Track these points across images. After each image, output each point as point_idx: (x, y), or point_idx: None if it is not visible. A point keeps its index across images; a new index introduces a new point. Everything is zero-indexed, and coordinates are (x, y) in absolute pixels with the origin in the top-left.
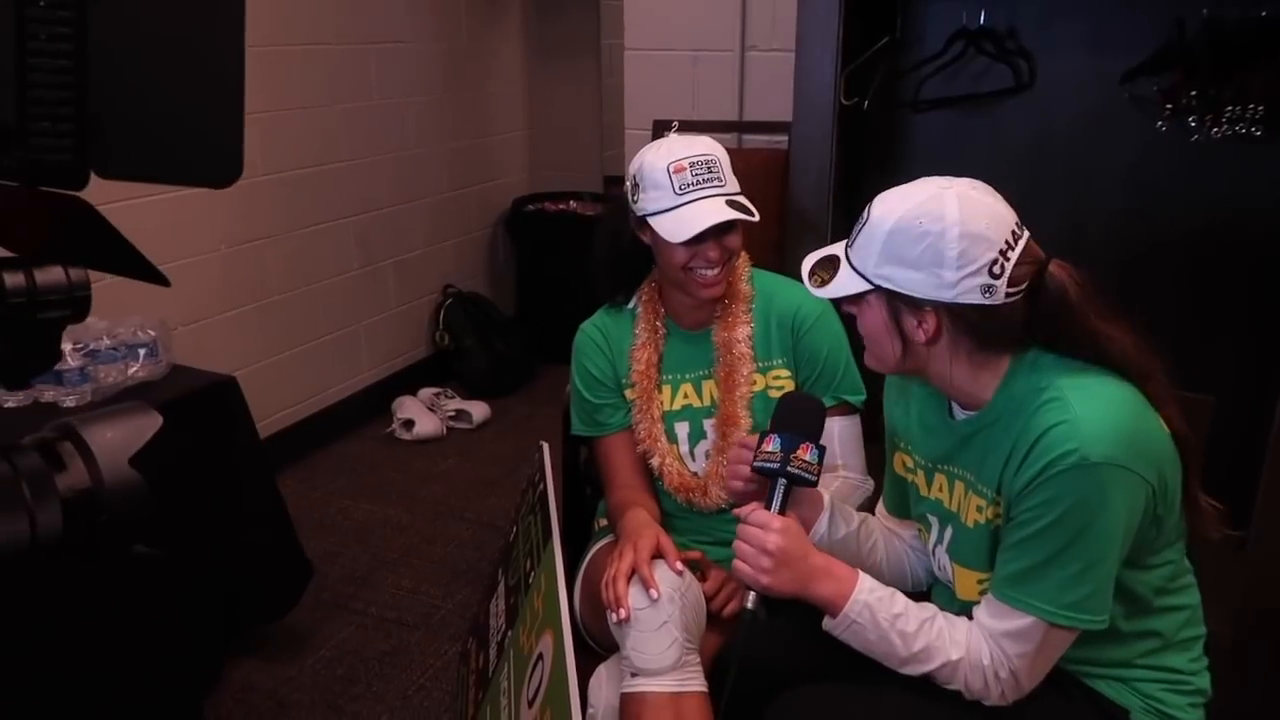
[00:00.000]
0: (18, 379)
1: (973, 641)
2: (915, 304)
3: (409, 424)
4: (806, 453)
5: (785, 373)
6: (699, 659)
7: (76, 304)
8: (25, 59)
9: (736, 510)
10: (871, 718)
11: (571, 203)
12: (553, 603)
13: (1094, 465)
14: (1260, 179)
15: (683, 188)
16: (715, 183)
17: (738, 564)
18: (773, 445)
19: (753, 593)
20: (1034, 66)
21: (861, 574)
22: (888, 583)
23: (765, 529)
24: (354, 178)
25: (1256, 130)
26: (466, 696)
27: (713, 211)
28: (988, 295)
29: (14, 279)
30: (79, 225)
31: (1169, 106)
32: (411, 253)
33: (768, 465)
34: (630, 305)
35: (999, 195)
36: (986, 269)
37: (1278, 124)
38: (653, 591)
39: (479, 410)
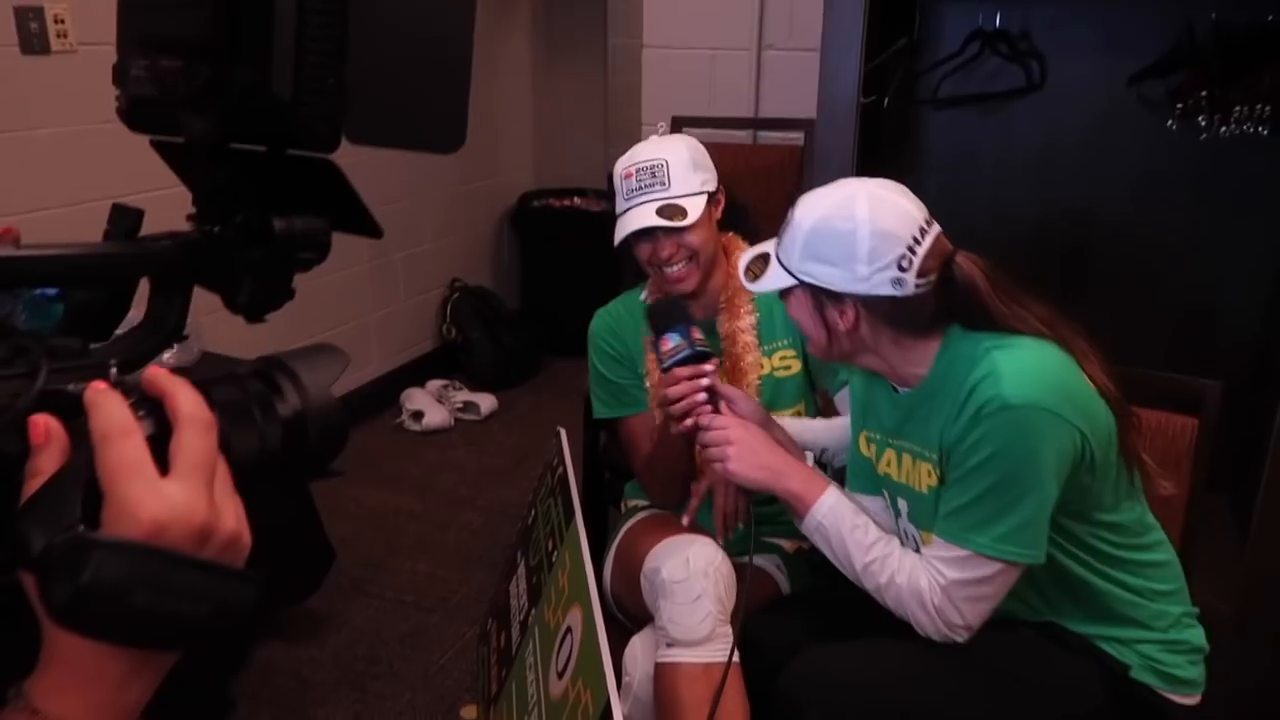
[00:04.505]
0: (260, 314)
1: (914, 569)
2: (835, 296)
3: (418, 415)
4: (697, 333)
5: (791, 352)
6: (730, 631)
7: (323, 248)
8: (304, 42)
9: (695, 425)
10: (874, 669)
11: (576, 199)
12: (579, 579)
13: (1015, 408)
14: (1268, 175)
15: (628, 194)
16: (656, 188)
17: (714, 465)
18: (672, 342)
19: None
20: (1045, 67)
21: (833, 483)
22: None
23: (721, 427)
24: (365, 172)
25: (1263, 129)
26: (488, 675)
27: (636, 219)
28: (898, 287)
29: (281, 224)
30: (322, 183)
31: (1179, 106)
32: (420, 247)
33: (681, 355)
34: (642, 297)
35: (909, 193)
36: (895, 263)
37: None
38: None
39: (486, 402)
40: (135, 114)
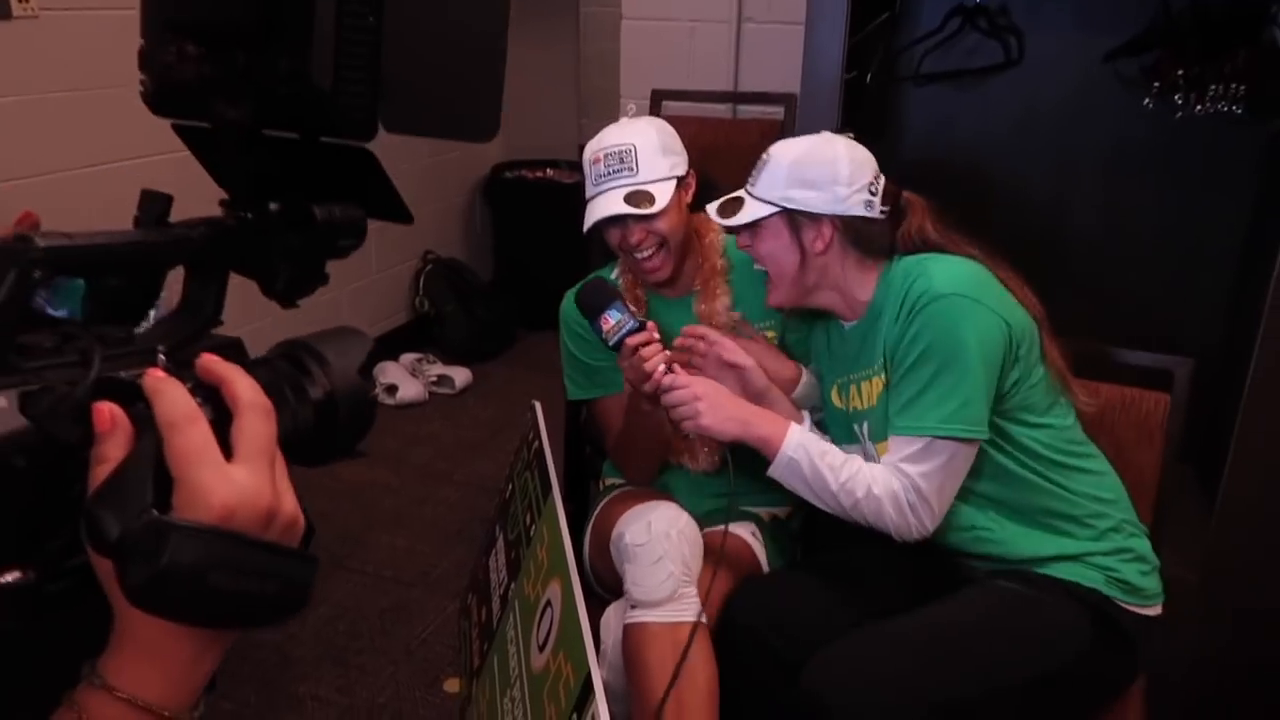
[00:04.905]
0: (295, 300)
1: (884, 476)
2: (814, 218)
3: (392, 389)
4: (631, 306)
5: (772, 334)
6: (696, 592)
7: (361, 234)
8: (343, 30)
9: (657, 389)
10: (894, 663)
11: (549, 170)
12: (558, 552)
13: (944, 297)
14: (1240, 153)
15: (596, 179)
16: (624, 174)
17: (683, 424)
18: (613, 319)
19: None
20: (1023, 43)
21: (793, 423)
22: None
23: (685, 385)
24: None
25: (1237, 108)
26: (470, 649)
27: (604, 206)
28: (869, 208)
29: (322, 212)
30: (356, 171)
31: (1156, 84)
32: None
33: (623, 329)
34: (613, 276)
35: None
36: (867, 186)
37: (1257, 101)
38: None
39: (461, 375)
40: (161, 99)
